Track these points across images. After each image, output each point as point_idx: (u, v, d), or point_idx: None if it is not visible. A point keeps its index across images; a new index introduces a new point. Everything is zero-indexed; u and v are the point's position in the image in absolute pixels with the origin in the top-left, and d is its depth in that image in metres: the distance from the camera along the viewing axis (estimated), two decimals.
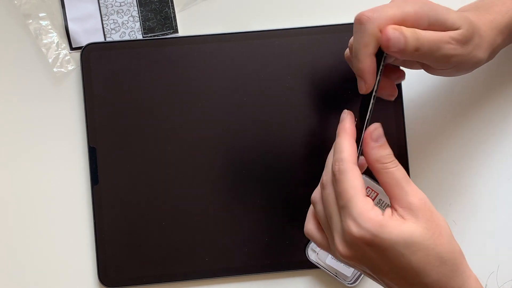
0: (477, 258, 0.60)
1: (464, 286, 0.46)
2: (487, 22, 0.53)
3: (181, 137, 0.62)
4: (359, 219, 0.45)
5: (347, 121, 0.51)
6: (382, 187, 0.49)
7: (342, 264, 0.61)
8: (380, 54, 0.50)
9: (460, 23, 0.50)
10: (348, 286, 0.62)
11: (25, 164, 0.63)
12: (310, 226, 0.52)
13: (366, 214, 0.46)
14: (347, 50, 0.55)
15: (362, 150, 0.50)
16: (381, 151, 0.49)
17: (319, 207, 0.50)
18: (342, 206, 0.47)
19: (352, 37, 0.51)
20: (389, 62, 0.54)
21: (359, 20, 0.49)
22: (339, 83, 0.62)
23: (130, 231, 0.61)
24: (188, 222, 0.62)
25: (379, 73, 0.50)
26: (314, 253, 0.62)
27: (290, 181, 0.62)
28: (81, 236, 0.62)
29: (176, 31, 0.64)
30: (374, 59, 0.50)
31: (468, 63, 0.52)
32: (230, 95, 0.62)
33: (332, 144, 0.52)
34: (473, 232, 0.63)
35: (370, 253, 0.46)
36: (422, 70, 0.55)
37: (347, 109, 0.52)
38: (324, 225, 0.50)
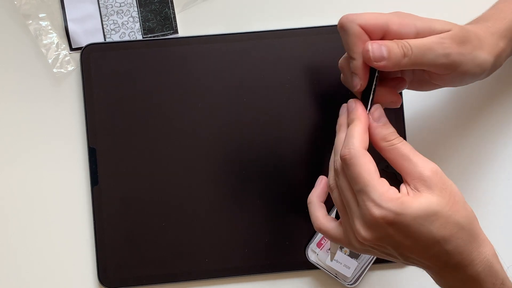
0: None
1: (480, 249, 0.48)
2: (485, 28, 0.54)
3: (181, 138, 0.62)
4: (380, 200, 0.46)
5: (359, 108, 0.51)
6: (391, 164, 0.49)
7: (343, 265, 0.61)
8: (372, 71, 0.51)
9: (449, 27, 0.51)
10: (348, 287, 0.62)
11: (25, 164, 0.63)
12: (320, 220, 0.53)
13: (386, 195, 0.47)
14: (341, 60, 0.55)
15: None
16: (384, 129, 0.50)
17: (335, 194, 0.51)
18: (358, 191, 0.48)
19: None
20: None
21: (341, 24, 0.51)
22: (339, 83, 0.62)
23: (130, 232, 0.61)
24: (188, 222, 0.62)
25: (372, 91, 0.51)
26: (314, 253, 0.62)
27: (290, 181, 0.62)
28: (81, 237, 0.62)
29: (176, 31, 0.64)
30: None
31: (472, 64, 0.52)
32: (230, 95, 0.62)
33: (332, 144, 0.53)
34: None
35: (392, 231, 0.47)
36: None
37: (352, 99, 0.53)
38: (341, 212, 0.51)
